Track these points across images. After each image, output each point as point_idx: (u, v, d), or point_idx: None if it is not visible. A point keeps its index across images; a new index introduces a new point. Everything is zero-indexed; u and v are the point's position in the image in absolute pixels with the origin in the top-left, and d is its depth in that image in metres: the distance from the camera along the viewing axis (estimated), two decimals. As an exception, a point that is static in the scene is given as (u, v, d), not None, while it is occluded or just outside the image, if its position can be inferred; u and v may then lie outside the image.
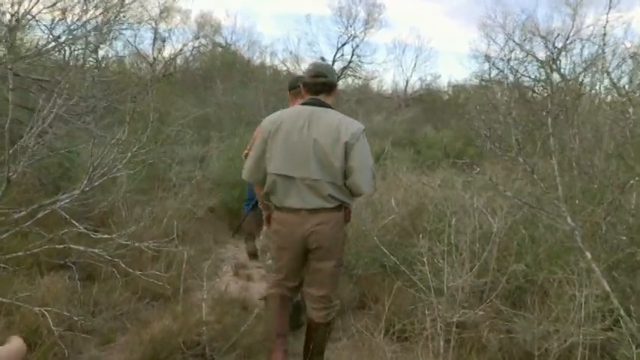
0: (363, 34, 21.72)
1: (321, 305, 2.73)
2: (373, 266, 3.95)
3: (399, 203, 5.43)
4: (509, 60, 16.20)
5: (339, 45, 21.74)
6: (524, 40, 16.13)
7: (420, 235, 3.10)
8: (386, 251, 3.50)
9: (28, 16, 5.58)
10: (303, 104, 2.73)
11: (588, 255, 2.63)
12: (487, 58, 17.44)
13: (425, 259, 2.82)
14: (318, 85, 2.71)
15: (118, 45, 13.45)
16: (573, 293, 2.45)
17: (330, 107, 2.71)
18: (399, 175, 6.85)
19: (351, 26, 21.70)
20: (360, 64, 22.11)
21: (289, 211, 2.66)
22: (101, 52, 11.70)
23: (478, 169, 3.32)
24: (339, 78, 21.75)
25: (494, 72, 18.10)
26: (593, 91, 8.81)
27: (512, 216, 3.42)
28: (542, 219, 3.41)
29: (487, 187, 5.25)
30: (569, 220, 2.61)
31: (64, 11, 6.45)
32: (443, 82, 27.47)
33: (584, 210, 2.95)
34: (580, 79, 11.44)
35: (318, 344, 2.81)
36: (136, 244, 3.23)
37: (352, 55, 21.80)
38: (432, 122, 17.48)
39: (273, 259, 2.89)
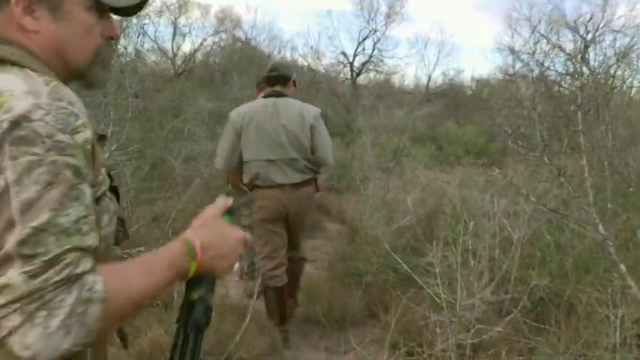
0: (384, 27, 21.23)
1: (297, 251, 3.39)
2: (385, 273, 3.68)
3: (416, 204, 5.14)
4: (534, 52, 15.66)
5: (360, 39, 21.28)
6: (551, 30, 15.53)
7: (434, 243, 2.80)
8: (398, 259, 3.22)
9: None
10: (265, 97, 3.19)
11: (623, 268, 2.32)
12: (511, 50, 16.90)
13: (437, 271, 2.53)
14: (272, 78, 3.19)
15: (144, 40, 13.25)
16: (606, 314, 2.14)
17: (287, 96, 3.16)
18: (417, 173, 6.54)
19: (372, 20, 21.23)
20: (381, 58, 21.62)
21: (274, 186, 3.08)
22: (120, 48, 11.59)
23: (498, 170, 3.01)
24: (359, 73, 21.36)
25: (518, 65, 17.57)
26: (626, 85, 8.33)
27: (536, 221, 3.10)
28: (569, 225, 3.09)
29: (509, 188, 4.91)
30: (600, 228, 2.30)
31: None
32: (466, 77, 26.86)
33: (617, 216, 2.63)
34: (612, 72, 10.93)
35: (297, 278, 3.44)
36: (119, 252, 3.01)
37: (373, 49, 21.29)
38: (454, 118, 17.01)
39: (259, 238, 3.22)
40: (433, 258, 2.60)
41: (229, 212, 1.00)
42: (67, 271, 0.70)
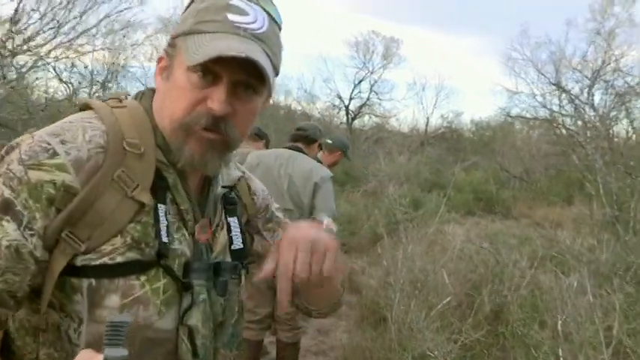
0: (381, 70, 20.59)
1: (288, 327, 3.18)
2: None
3: (451, 275, 4.06)
4: (542, 95, 14.92)
5: (356, 82, 20.58)
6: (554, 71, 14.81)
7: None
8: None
9: None
10: (284, 147, 3.27)
11: None
12: (514, 92, 16.17)
13: None
14: (297, 136, 3.29)
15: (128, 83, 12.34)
16: None
17: (306, 154, 3.19)
18: (444, 231, 5.48)
19: (368, 62, 20.58)
20: (378, 101, 20.90)
21: None
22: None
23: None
24: (355, 117, 20.60)
25: (521, 106, 16.84)
26: None
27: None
28: None
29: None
30: None
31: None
32: (465, 120, 26.19)
33: None
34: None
35: None
36: None
37: (370, 92, 20.59)
38: (458, 162, 16.05)
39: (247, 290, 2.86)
40: None
41: None
42: None
